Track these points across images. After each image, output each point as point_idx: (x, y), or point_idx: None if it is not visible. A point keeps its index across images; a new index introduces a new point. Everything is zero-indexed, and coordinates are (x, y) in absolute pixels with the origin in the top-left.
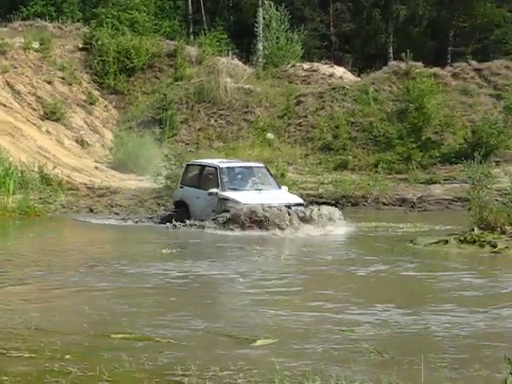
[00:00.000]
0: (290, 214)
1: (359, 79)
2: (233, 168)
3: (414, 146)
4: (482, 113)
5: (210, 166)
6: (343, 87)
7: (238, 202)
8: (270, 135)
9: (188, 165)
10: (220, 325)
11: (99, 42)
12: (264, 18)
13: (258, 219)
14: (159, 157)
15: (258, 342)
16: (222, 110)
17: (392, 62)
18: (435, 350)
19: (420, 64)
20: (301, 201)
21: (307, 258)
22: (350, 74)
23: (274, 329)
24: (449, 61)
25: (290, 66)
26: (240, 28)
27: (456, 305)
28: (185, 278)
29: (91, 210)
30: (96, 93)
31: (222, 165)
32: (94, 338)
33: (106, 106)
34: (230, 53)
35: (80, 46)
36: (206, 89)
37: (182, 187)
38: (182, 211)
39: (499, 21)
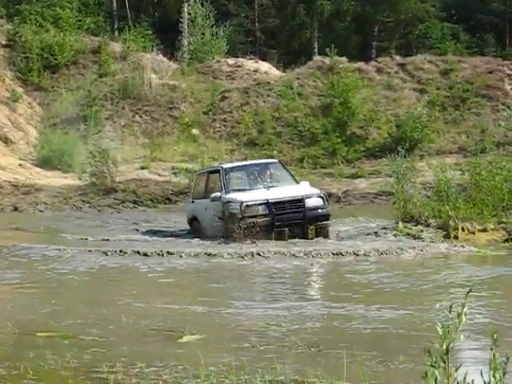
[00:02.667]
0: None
1: (284, 74)
2: (238, 167)
3: (339, 140)
4: (405, 107)
5: (214, 171)
6: (268, 82)
7: (236, 202)
8: (195, 131)
9: (197, 175)
10: (147, 321)
11: (23, 39)
12: (189, 14)
13: (257, 221)
14: (84, 154)
15: (185, 338)
16: (147, 106)
17: (316, 57)
18: (362, 343)
19: (344, 59)
20: (318, 191)
21: None
22: (275, 69)
23: (201, 325)
24: (373, 56)
25: (214, 61)
26: (165, 24)
27: (384, 300)
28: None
29: (16, 209)
30: (20, 90)
31: (225, 165)
32: (19, 336)
33: (29, 103)
34: (155, 49)
35: (3, 42)
36: (130, 85)
37: (192, 202)
38: (192, 224)
39: (423, 16)
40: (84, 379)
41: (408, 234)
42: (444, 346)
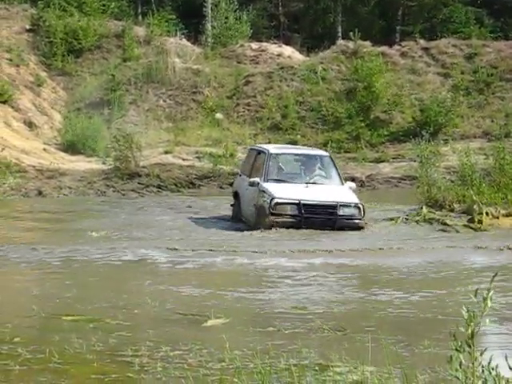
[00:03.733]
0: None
1: (308, 59)
2: (285, 154)
3: (363, 124)
4: (430, 91)
5: (262, 151)
6: (292, 67)
7: (269, 196)
8: (219, 115)
9: (249, 149)
10: (171, 306)
11: (46, 23)
12: None
13: (284, 221)
14: (108, 138)
15: (209, 322)
16: (171, 90)
17: (340, 42)
18: (387, 327)
19: (368, 43)
20: (355, 200)
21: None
22: (298, 53)
23: (225, 309)
24: (397, 40)
25: (238, 46)
26: (188, 8)
27: (405, 286)
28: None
29: (40, 193)
30: (44, 74)
31: (273, 150)
32: (44, 320)
33: (53, 88)
34: (179, 33)
35: (27, 27)
36: (154, 69)
37: (240, 175)
38: (234, 199)
39: (447, 0)
40: (109, 362)
41: (432, 219)
42: (469, 331)
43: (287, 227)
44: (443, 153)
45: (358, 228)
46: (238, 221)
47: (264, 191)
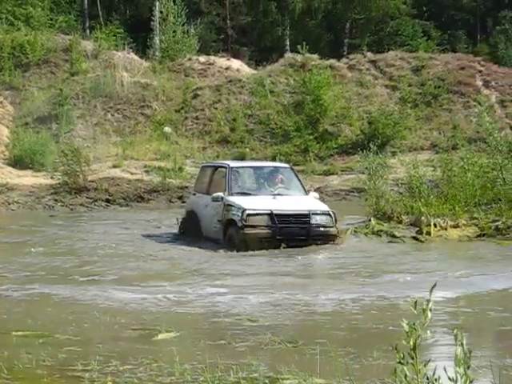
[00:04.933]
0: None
1: (256, 72)
2: (245, 167)
3: (311, 137)
4: (377, 104)
5: (221, 167)
6: (240, 80)
7: (239, 208)
8: (167, 129)
9: (202, 167)
10: (121, 320)
11: None
12: (161, 12)
13: (258, 232)
14: (56, 152)
15: (160, 336)
16: (119, 104)
17: (288, 55)
18: (337, 338)
19: (316, 56)
20: (326, 208)
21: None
22: (246, 66)
23: (176, 322)
24: (345, 53)
25: (186, 59)
26: (136, 22)
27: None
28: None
29: None
30: None
31: (233, 164)
32: None
33: (1, 102)
34: (127, 47)
35: None
36: (102, 83)
37: (194, 194)
38: (189, 219)
39: (394, 13)
40: (59, 377)
41: (381, 231)
42: (411, 343)
43: (261, 239)
44: (391, 165)
45: (331, 236)
46: (185, 236)
47: (231, 205)
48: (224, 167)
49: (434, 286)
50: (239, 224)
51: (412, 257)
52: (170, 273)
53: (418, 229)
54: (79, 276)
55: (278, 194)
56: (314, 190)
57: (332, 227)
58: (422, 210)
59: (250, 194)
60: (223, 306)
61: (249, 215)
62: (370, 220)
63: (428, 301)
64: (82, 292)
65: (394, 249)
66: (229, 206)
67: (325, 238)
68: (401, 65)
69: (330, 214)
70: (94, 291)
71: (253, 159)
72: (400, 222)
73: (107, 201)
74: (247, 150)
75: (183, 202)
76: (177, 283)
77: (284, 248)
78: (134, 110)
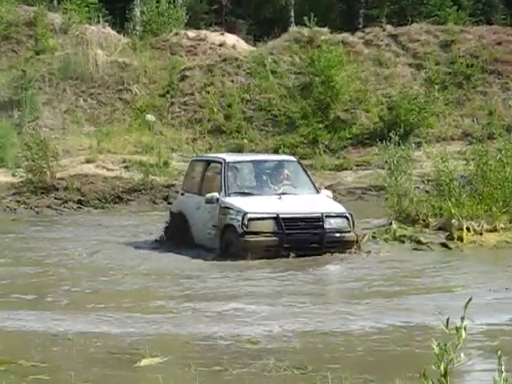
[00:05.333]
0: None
1: (255, 49)
2: (245, 163)
3: (321, 126)
4: (399, 86)
5: (215, 161)
6: (236, 58)
7: (238, 211)
8: (150, 117)
9: (192, 161)
10: (98, 343)
11: None
12: None
13: (261, 240)
14: (18, 145)
15: (143, 362)
16: (93, 88)
17: (293, 28)
18: (352, 363)
19: (326, 30)
20: (342, 210)
21: None
22: (244, 42)
23: (163, 346)
24: (360, 25)
25: (172, 34)
26: None
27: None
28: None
29: None
30: None
31: (229, 158)
32: None
33: None
34: (102, 20)
35: None
36: (73, 63)
37: (182, 194)
38: (176, 223)
39: None
40: None
41: (404, 237)
42: (442, 368)
43: (266, 248)
44: (416, 158)
45: (349, 243)
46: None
47: (229, 207)
48: (219, 162)
49: (470, 300)
50: (239, 230)
51: (441, 268)
52: (154, 288)
53: (447, 234)
54: (45, 291)
55: (284, 193)
56: (325, 188)
57: (349, 232)
58: (453, 211)
59: (250, 194)
60: (218, 326)
61: (250, 220)
62: (390, 223)
63: (462, 318)
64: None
65: (419, 258)
66: (226, 209)
67: (341, 245)
68: (426, 39)
69: (346, 217)
70: (62, 309)
71: (252, 152)
72: (426, 226)
73: (79, 202)
74: (245, 141)
75: (169, 204)
76: (162, 300)
77: (292, 258)
78: (110, 95)
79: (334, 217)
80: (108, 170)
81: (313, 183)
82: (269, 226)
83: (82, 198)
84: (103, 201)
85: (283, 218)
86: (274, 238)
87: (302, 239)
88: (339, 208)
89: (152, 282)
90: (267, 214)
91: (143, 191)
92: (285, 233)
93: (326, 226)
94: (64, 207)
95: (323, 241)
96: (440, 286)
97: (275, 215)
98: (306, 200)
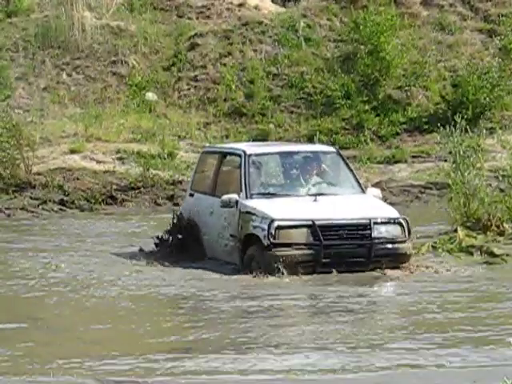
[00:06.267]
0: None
1: (284, 10)
2: (271, 155)
3: (368, 108)
4: (467, 57)
5: (232, 153)
6: (260, 22)
7: (263, 218)
8: (151, 96)
9: (203, 153)
10: None
11: None
12: None
13: (293, 254)
14: None
15: None
16: (79, 59)
17: None
18: None
19: None
20: (395, 214)
21: None
22: (269, 1)
23: None
24: None
25: None
26: None
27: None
28: None
29: None
30: None
31: (251, 149)
32: None
33: None
34: None
35: None
36: (53, 29)
37: (191, 195)
38: (184, 231)
39: None
40: None
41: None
42: None
43: (298, 263)
44: (488, 148)
45: (403, 256)
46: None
47: (251, 212)
48: (237, 154)
49: None
50: (265, 242)
51: None
52: (153, 321)
53: None
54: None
55: (321, 194)
56: (372, 186)
57: (404, 242)
58: None
59: (278, 196)
60: None
61: (279, 228)
62: (455, 230)
63: None
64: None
65: (492, 274)
66: (248, 215)
67: (394, 258)
68: None
69: (400, 223)
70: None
71: (280, 141)
72: (501, 234)
73: (61, 203)
74: (271, 126)
75: (175, 205)
76: (161, 347)
77: (335, 274)
78: (101, 68)
79: (384, 223)
80: (98, 162)
81: (357, 180)
82: (302, 235)
83: (65, 198)
84: (92, 201)
85: (320, 226)
86: (309, 251)
87: (345, 252)
88: (392, 212)
89: (151, 311)
90: (300, 220)
91: (142, 189)
92: (322, 244)
93: (375, 234)
94: (42, 209)
95: (371, 254)
96: None
97: (310, 222)
98: (348, 202)
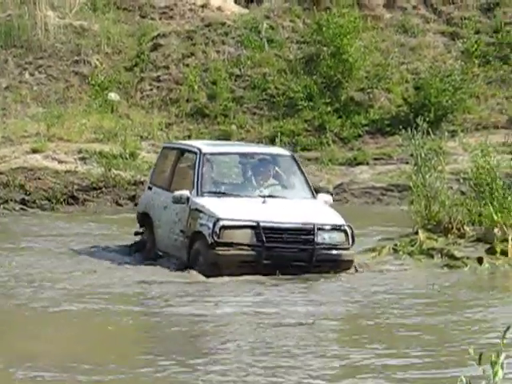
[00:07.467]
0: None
1: (247, 11)
2: (225, 154)
3: (330, 109)
4: (429, 60)
5: (189, 151)
6: (223, 23)
7: (210, 216)
8: (113, 96)
9: (165, 148)
10: None
11: None
12: None
13: (236, 253)
14: None
15: None
16: (41, 58)
17: None
18: None
19: None
20: (340, 221)
21: None
22: (232, 3)
23: None
24: None
25: None
26: None
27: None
28: None
29: None
30: None
31: (206, 148)
32: None
33: None
34: None
35: None
36: (15, 28)
37: (150, 188)
38: (145, 233)
39: None
40: None
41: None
42: None
43: (240, 263)
44: (450, 150)
45: (345, 263)
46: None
47: (200, 210)
48: (193, 152)
49: (508, 329)
50: (209, 240)
51: (481, 293)
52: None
53: (488, 246)
54: None
55: (271, 196)
56: (334, 188)
57: (347, 249)
58: (495, 218)
59: (228, 195)
60: None
61: (224, 227)
62: (416, 233)
63: (498, 353)
64: None
65: (452, 277)
66: (196, 212)
67: (336, 264)
68: (464, 1)
69: (345, 230)
70: None
71: (241, 141)
72: (462, 237)
73: (23, 202)
74: (233, 127)
75: (136, 205)
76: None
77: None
78: (63, 68)
79: (328, 230)
80: (60, 162)
81: (309, 185)
82: (246, 236)
83: (27, 198)
84: (53, 201)
85: (264, 228)
86: (251, 252)
87: (287, 255)
88: (337, 218)
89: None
90: (245, 221)
91: (104, 189)
92: (264, 246)
93: (318, 240)
94: (3, 208)
95: (313, 258)
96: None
97: (255, 223)
98: (296, 206)
